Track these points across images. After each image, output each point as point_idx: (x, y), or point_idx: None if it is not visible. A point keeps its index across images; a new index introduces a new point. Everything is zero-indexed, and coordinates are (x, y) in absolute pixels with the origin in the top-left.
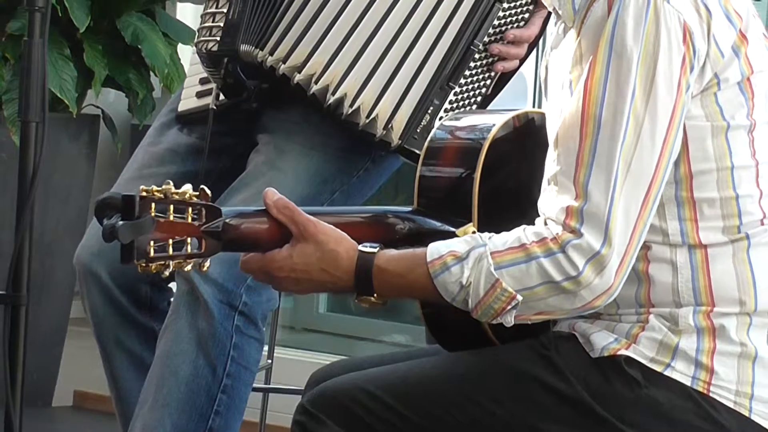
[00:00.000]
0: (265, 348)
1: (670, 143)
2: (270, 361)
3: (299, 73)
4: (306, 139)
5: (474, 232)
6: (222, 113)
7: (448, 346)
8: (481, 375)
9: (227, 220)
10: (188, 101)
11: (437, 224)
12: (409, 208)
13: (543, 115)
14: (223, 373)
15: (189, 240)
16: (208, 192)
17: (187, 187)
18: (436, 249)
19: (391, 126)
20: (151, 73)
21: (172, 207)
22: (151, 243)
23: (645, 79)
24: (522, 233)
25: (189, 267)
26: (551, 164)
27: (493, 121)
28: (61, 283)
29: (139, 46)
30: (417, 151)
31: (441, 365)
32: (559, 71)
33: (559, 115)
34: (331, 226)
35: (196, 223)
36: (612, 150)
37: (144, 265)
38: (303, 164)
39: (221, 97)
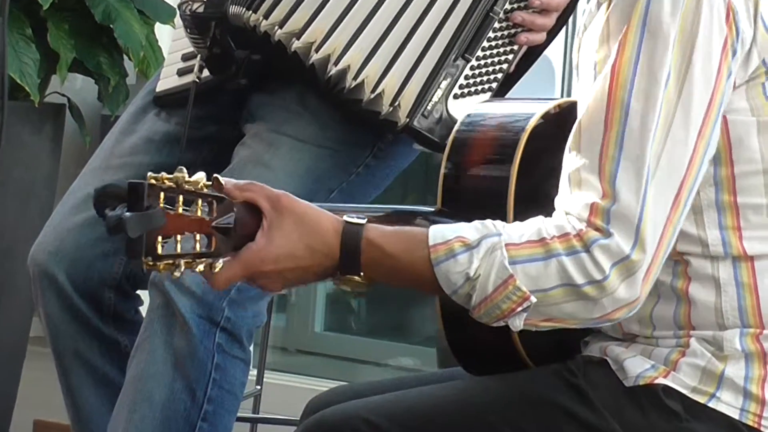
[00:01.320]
0: (254, 372)
1: (706, 137)
2: (259, 387)
3: (297, 39)
4: (298, 130)
5: None
6: (206, 94)
7: (470, 366)
8: (499, 404)
9: (240, 216)
10: (168, 80)
11: None
12: (432, 209)
13: None
14: (204, 397)
15: (198, 237)
16: (222, 182)
17: (201, 176)
18: (440, 232)
19: (399, 103)
20: (125, 57)
21: (181, 198)
22: (159, 239)
23: (680, 61)
24: (542, 225)
25: (201, 267)
26: (570, 157)
27: (532, 110)
28: (21, 293)
29: (111, 26)
30: (426, 133)
31: (453, 393)
32: (590, 52)
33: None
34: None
35: (207, 217)
36: (643, 142)
37: (152, 263)
38: (294, 160)
39: (206, 73)
